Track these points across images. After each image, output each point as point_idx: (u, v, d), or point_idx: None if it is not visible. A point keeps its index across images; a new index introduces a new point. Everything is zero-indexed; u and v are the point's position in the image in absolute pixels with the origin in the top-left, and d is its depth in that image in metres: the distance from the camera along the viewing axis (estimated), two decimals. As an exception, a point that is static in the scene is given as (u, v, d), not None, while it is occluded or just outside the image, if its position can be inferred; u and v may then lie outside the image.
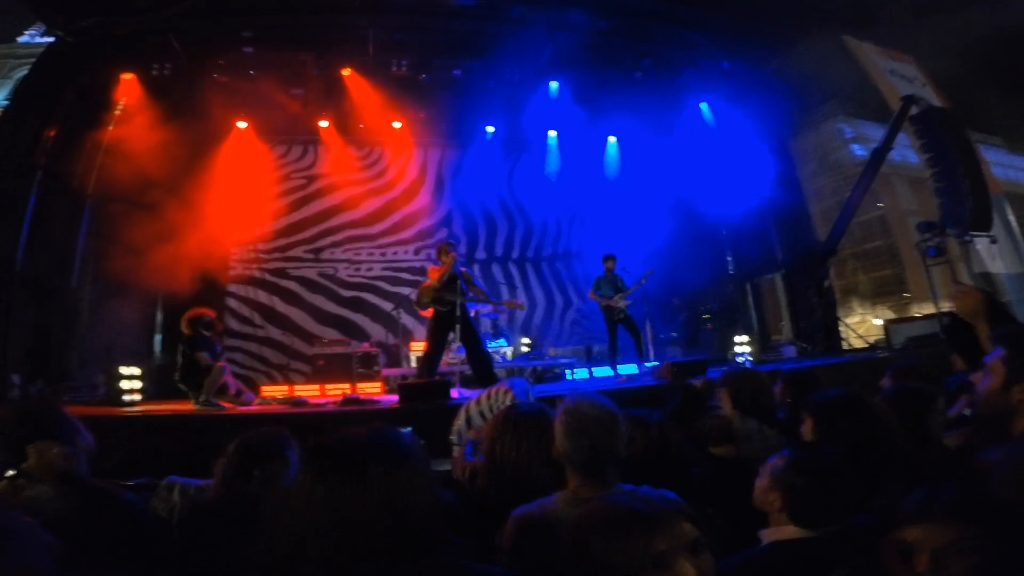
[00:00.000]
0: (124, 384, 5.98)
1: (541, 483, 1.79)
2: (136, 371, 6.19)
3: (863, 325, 14.87)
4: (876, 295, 16.43)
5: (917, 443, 1.92)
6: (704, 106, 10.65)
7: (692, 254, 11.06)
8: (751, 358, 7.17)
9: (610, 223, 11.21)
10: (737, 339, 7.73)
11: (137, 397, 6.08)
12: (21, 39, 19.14)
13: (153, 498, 2.30)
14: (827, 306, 9.48)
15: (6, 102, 15.71)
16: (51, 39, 8.83)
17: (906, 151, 12.55)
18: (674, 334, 10.31)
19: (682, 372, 5.99)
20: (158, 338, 9.34)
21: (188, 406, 5.55)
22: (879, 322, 13.80)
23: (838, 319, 9.98)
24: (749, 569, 1.44)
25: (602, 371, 8.10)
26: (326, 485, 1.00)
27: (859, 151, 15.18)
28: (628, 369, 7.68)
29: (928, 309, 9.81)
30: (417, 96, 10.32)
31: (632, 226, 10.79)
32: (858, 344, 10.27)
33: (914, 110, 8.88)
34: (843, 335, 9.92)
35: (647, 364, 7.61)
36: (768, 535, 1.50)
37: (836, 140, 14.48)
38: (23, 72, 17.07)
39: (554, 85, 10.11)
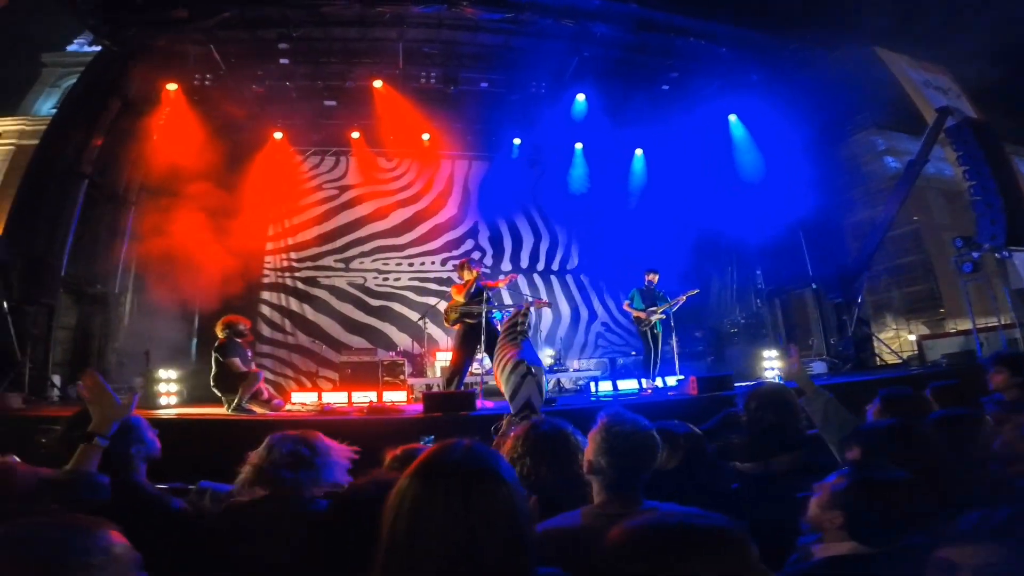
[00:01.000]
0: (161, 387, 6.16)
1: (561, 503, 1.81)
2: (173, 374, 6.37)
3: (896, 341, 14.45)
4: (910, 310, 15.96)
5: (966, 468, 1.89)
6: (733, 118, 10.55)
7: (719, 267, 10.93)
8: (779, 374, 7.05)
9: (637, 235, 11.17)
10: (765, 354, 7.59)
11: (173, 400, 6.26)
12: (70, 47, 19.59)
13: (185, 501, 2.38)
14: (859, 322, 9.26)
15: (55, 111, 16.38)
16: (98, 48, 9.21)
17: (941, 164, 12.24)
18: (700, 348, 10.19)
19: (707, 387, 5.93)
20: (194, 342, 9.62)
21: (221, 410, 5.70)
22: (913, 338, 13.42)
23: (871, 335, 9.73)
24: None
25: (627, 384, 8.04)
26: (460, 498, 1.01)
27: (892, 163, 14.81)
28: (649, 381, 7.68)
29: (964, 325, 9.50)
30: (445, 108, 10.49)
31: (659, 238, 10.73)
32: (891, 360, 10.00)
33: (949, 122, 8.66)
34: (876, 351, 9.67)
35: (659, 380, 7.62)
36: (822, 551, 1.53)
37: (868, 152, 14.14)
38: (71, 81, 17.72)
39: (580, 98, 10.14)
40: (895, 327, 15.77)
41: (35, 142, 9.36)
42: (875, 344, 9.75)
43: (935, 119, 8.79)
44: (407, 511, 1.02)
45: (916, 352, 9.32)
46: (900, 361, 9.56)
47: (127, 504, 1.82)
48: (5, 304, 6.80)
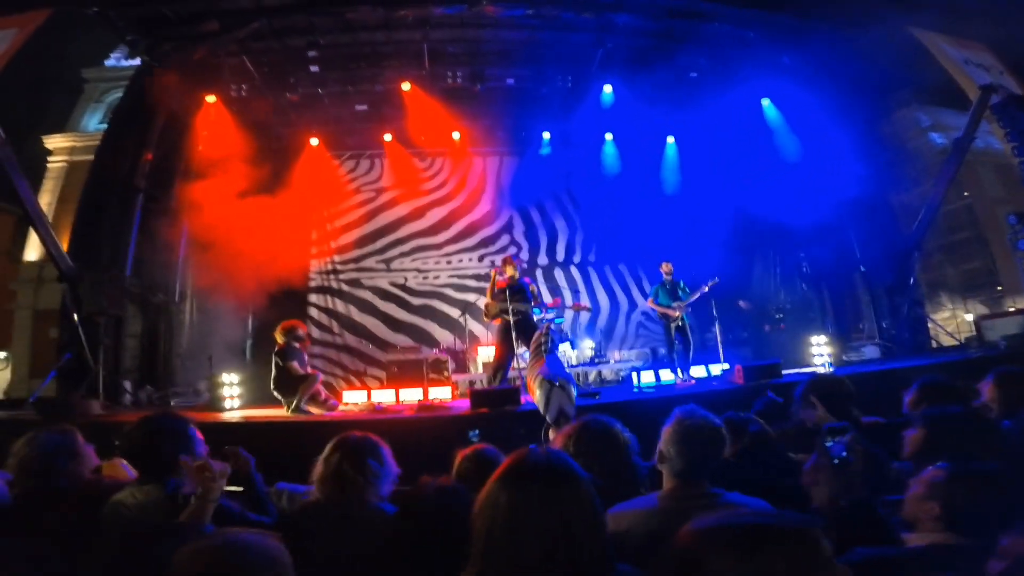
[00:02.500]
0: (225, 391, 6.45)
1: (610, 496, 1.86)
2: (235, 378, 6.65)
3: (952, 321, 13.92)
4: (966, 289, 15.33)
5: None
6: (766, 102, 10.34)
7: (760, 253, 10.71)
8: (831, 360, 6.90)
9: (672, 223, 11.05)
10: (814, 340, 7.39)
11: (236, 403, 6.55)
12: (107, 62, 19.93)
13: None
14: (912, 303, 8.96)
15: (102, 125, 17.01)
16: (136, 61, 9.55)
17: (990, 138, 11.75)
18: (744, 334, 10.03)
19: (754, 375, 5.88)
20: (249, 343, 10.01)
21: (281, 412, 5.95)
22: (971, 317, 12.90)
23: (926, 316, 9.40)
24: (902, 564, 1.49)
25: (669, 375, 8.04)
26: (553, 497, 1.16)
27: (938, 139, 14.28)
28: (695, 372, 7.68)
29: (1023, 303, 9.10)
30: (473, 106, 10.56)
31: (695, 226, 10.60)
32: (948, 342, 9.66)
33: (994, 99, 8.40)
34: (932, 333, 9.35)
35: (702, 368, 7.64)
36: (916, 539, 1.58)
37: (912, 129, 13.68)
38: (114, 95, 18.18)
39: (607, 88, 10.09)
40: (951, 306, 15.16)
41: (86, 158, 9.84)
42: (931, 326, 9.42)
43: (979, 97, 8.52)
44: (504, 513, 1.16)
45: (974, 333, 8.93)
46: (957, 343, 9.22)
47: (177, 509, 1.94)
48: (76, 316, 7.22)
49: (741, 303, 10.26)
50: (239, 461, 2.24)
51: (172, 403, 7.76)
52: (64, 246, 7.68)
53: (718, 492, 1.82)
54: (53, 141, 18.53)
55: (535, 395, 3.55)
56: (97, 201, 8.47)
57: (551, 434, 3.11)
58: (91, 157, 9.59)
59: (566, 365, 6.83)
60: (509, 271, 6.81)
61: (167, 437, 2.09)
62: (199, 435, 2.23)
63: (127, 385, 7.76)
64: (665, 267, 7.98)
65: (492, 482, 1.23)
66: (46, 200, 16.57)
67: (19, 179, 6.57)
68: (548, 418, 3.20)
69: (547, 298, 7.53)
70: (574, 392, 3.30)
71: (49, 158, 18.30)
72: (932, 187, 9.38)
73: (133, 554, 1.63)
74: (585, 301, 10.79)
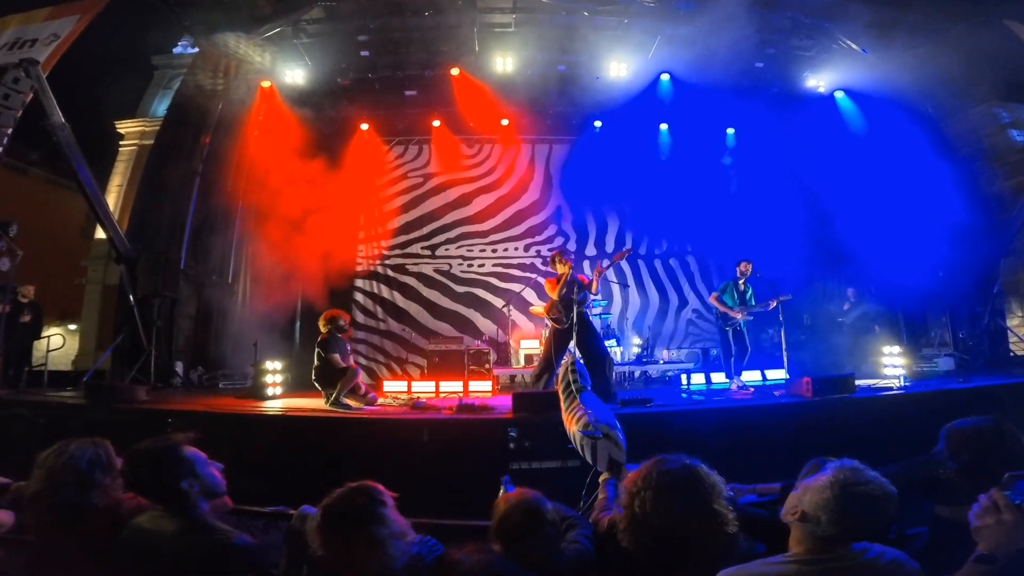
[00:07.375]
0: (267, 378, 6.51)
1: (695, 546, 1.66)
2: (279, 365, 6.69)
3: (1022, 329, 12.74)
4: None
5: None
6: (840, 95, 9.74)
7: (825, 251, 10.05)
8: (904, 372, 6.33)
9: (729, 218, 10.51)
10: (887, 349, 6.80)
11: (279, 390, 6.59)
12: (175, 50, 20.64)
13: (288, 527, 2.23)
14: (994, 312, 8.18)
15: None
16: (196, 50, 9.79)
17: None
18: (802, 336, 9.43)
19: (825, 389, 5.40)
20: (297, 325, 10.15)
21: (320, 402, 5.93)
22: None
23: (1006, 328, 8.59)
24: None
25: (720, 378, 7.65)
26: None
27: (1018, 136, 13.08)
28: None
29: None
30: (524, 92, 10.30)
31: (755, 222, 10.04)
32: (1021, 351, 8.82)
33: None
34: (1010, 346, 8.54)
35: (757, 374, 7.33)
36: None
37: (991, 125, 12.48)
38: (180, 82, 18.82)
39: (665, 78, 9.81)
40: (1020, 314, 13.86)
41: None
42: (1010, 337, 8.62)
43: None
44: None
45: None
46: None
47: (194, 542, 1.83)
48: (132, 297, 7.45)
49: (851, 291, 9.62)
50: None
51: (220, 385, 7.95)
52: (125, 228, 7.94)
53: (862, 548, 1.58)
54: (124, 125, 19.27)
55: (575, 437, 3.28)
56: (156, 184, 8.73)
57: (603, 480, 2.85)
58: (158, 141, 9.82)
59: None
60: (559, 268, 6.38)
61: (164, 468, 1.95)
62: (200, 455, 2.07)
63: (178, 367, 7.98)
64: (743, 267, 7.50)
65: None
66: (116, 183, 17.26)
67: (79, 162, 6.77)
68: (599, 468, 2.94)
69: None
70: (620, 437, 3.01)
71: (121, 142, 19.09)
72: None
73: None
74: (632, 296, 10.37)
